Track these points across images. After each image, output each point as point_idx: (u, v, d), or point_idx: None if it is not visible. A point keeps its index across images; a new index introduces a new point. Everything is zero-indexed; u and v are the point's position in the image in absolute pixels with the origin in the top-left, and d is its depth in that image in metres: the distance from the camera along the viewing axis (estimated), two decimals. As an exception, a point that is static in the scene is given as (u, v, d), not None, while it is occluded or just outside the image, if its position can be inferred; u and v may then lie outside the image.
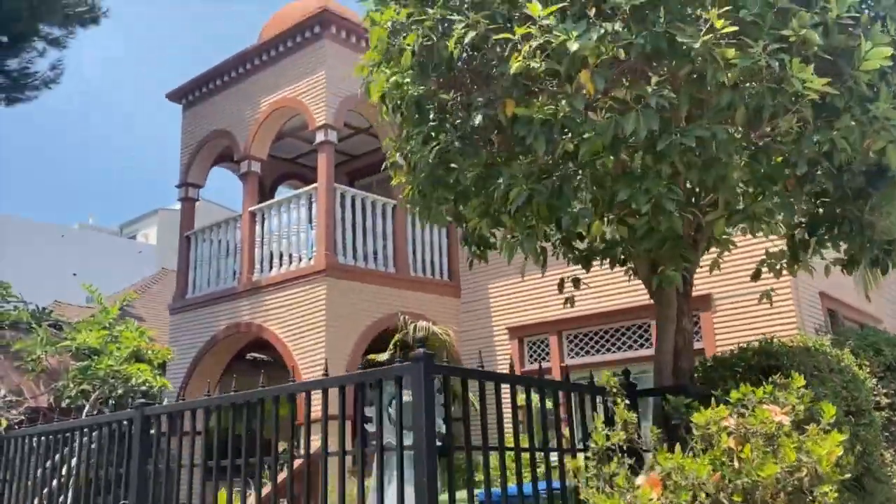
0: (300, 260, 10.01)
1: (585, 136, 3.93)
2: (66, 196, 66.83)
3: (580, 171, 4.24)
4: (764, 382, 4.47)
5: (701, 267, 5.77)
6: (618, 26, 3.78)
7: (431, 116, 4.79)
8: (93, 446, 5.03)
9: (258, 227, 10.63)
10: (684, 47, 3.68)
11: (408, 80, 4.80)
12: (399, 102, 4.97)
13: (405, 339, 9.53)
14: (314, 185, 10.05)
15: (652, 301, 5.50)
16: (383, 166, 5.76)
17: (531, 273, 10.72)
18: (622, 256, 5.98)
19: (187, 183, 11.87)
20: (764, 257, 5.56)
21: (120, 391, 6.87)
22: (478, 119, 4.28)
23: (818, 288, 9.21)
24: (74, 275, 28.43)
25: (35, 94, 12.75)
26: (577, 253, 6.59)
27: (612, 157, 3.98)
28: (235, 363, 11.33)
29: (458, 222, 5.59)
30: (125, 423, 4.89)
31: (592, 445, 3.63)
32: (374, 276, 10.10)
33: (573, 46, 3.78)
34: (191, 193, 11.94)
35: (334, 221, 9.82)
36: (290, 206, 10.29)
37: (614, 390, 3.87)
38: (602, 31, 3.78)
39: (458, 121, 4.58)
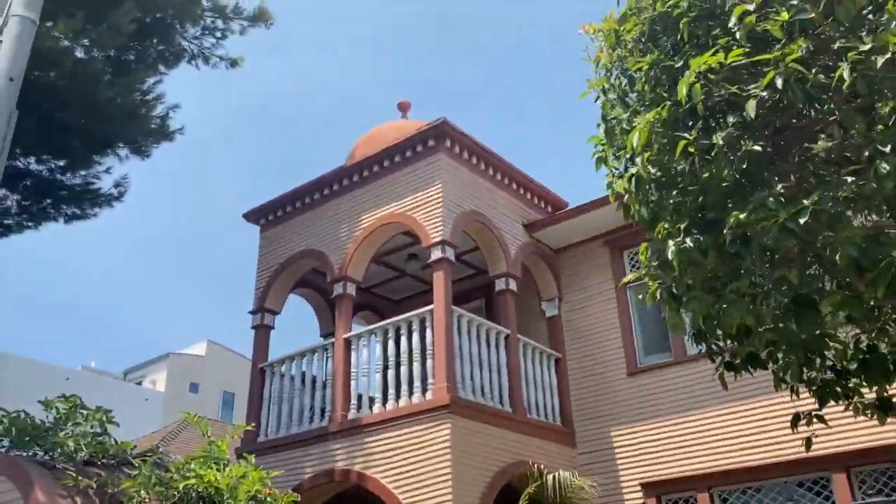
0: (411, 395, 8.59)
1: None
2: (62, 337, 64.42)
3: None
4: None
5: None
6: None
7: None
8: None
9: (354, 357, 9.28)
10: None
11: (720, 140, 3.79)
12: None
13: (539, 495, 7.95)
14: (428, 307, 8.84)
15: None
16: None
17: (672, 415, 9.34)
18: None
19: (264, 309, 10.62)
20: None
21: (241, 549, 5.30)
22: (883, 167, 3.19)
23: None
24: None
25: (95, 212, 11.78)
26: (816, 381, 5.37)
27: None
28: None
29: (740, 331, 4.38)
30: None
31: None
32: (495, 417, 8.65)
33: None
34: (266, 320, 10.65)
35: (452, 350, 8.52)
36: (399, 332, 9.01)
37: None
38: None
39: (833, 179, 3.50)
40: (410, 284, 12.29)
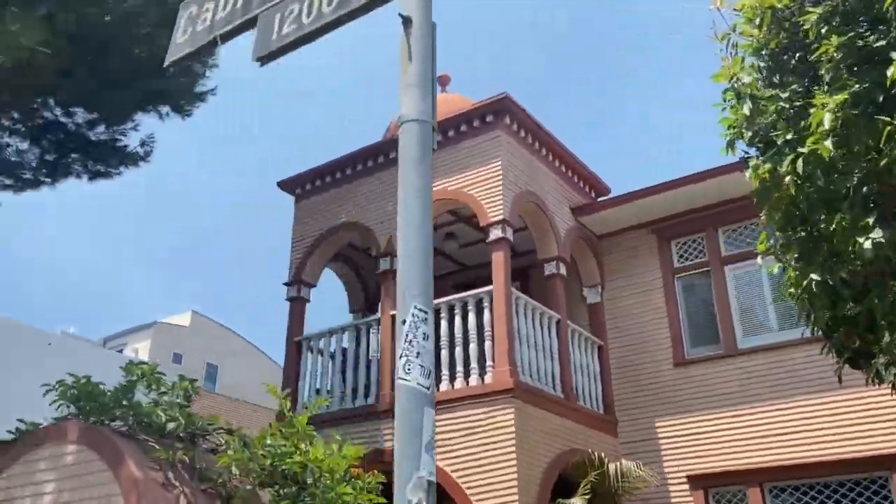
0: (467, 377, 8.34)
1: None
2: (38, 299, 61.46)
3: None
4: None
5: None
6: None
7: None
8: None
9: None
10: None
11: None
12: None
13: (599, 484, 7.78)
14: (486, 287, 8.57)
15: None
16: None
17: (721, 408, 9.23)
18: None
19: (300, 280, 10.24)
20: None
21: (342, 534, 5.01)
22: None
23: None
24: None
25: (120, 171, 11.24)
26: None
27: None
28: None
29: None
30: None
31: None
32: (550, 402, 8.44)
33: None
34: (302, 293, 10.27)
35: (513, 332, 8.27)
36: (453, 312, 8.73)
37: None
38: None
39: None
40: (440, 264, 11.99)
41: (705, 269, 9.96)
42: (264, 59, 3.25)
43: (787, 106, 4.56)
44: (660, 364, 9.80)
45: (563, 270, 9.64)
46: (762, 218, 5.37)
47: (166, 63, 3.60)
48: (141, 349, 30.22)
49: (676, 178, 9.91)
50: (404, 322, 2.46)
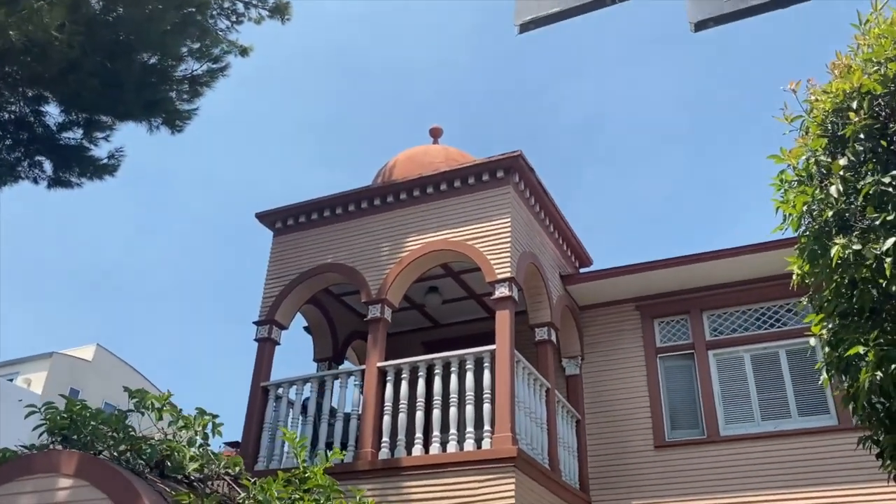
0: (462, 440, 7.82)
1: None
2: None
3: None
4: None
5: None
6: None
7: None
8: None
9: (389, 390, 8.41)
10: None
11: None
12: None
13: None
14: (489, 346, 8.17)
15: None
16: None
17: (699, 495, 9.01)
18: None
19: (273, 321, 9.53)
20: None
21: None
22: None
23: None
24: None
25: (81, 182, 10.32)
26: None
27: None
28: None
29: None
30: None
31: None
32: (541, 475, 8.00)
33: None
34: (273, 334, 9.55)
35: (514, 397, 7.87)
36: (449, 370, 8.26)
37: None
38: None
39: None
40: (412, 318, 11.53)
41: (689, 351, 9.93)
42: (708, 24, 2.68)
43: (892, 190, 4.54)
44: (640, 444, 9.57)
45: (554, 337, 9.38)
46: (803, 301, 5.35)
47: (516, 22, 3.02)
48: (34, 381, 27.66)
49: (662, 259, 9.97)
50: None
